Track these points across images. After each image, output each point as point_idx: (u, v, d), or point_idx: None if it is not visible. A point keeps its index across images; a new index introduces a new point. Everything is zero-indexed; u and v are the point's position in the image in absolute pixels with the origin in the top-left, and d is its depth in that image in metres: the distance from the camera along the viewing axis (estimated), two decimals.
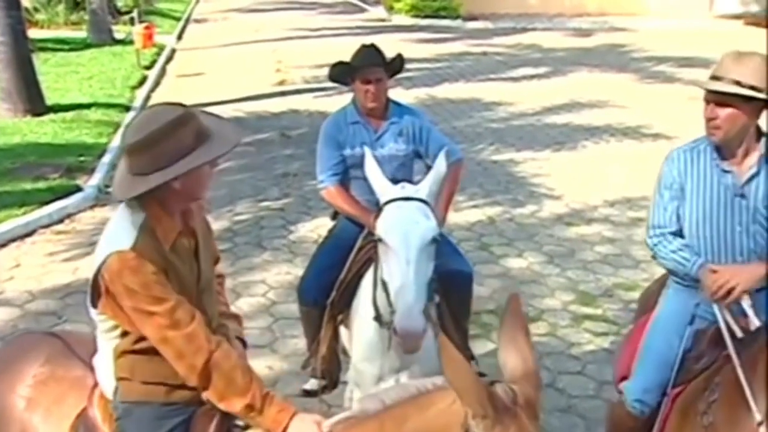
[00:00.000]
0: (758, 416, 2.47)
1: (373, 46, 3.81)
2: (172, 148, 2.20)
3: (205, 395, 2.30)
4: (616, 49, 17.88)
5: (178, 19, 22.61)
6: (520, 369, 1.94)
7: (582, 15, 23.72)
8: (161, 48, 16.35)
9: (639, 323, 3.36)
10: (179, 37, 19.34)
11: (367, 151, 3.46)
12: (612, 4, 24.02)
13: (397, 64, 3.83)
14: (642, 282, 5.66)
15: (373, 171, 3.33)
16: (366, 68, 3.70)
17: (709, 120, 2.86)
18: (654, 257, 3.16)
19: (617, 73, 14.73)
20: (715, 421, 2.65)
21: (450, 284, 3.51)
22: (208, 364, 2.25)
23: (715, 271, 2.86)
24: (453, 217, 6.84)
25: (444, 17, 22.42)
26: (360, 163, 3.52)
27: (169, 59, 16.04)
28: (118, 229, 2.29)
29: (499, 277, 5.94)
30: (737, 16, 23.53)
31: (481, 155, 9.20)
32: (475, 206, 7.44)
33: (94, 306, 2.33)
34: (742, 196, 2.90)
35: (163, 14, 23.29)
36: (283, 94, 12.64)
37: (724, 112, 2.82)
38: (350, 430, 2.14)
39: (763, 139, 2.92)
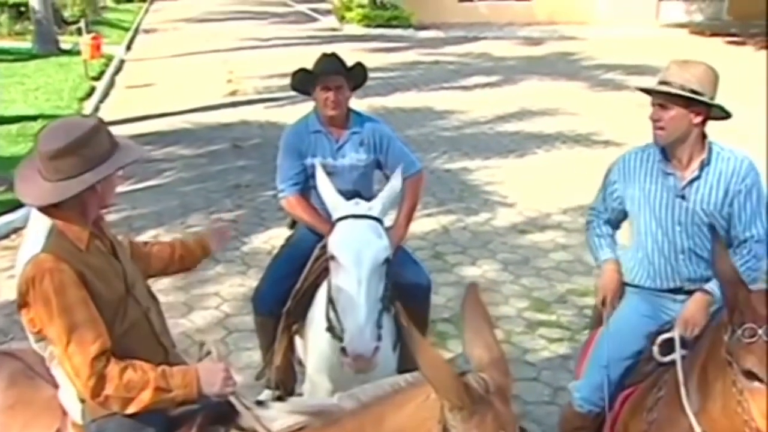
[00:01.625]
0: (697, 428, 2.53)
1: (333, 54, 3.82)
2: (98, 151, 2.32)
3: (114, 410, 2.31)
4: (566, 58, 18.16)
5: (126, 30, 22.35)
6: (486, 357, 1.95)
7: (532, 24, 24.05)
8: (110, 59, 16.14)
9: (594, 333, 3.42)
10: (128, 48, 19.12)
11: (317, 164, 3.46)
12: (561, 12, 24.42)
13: (360, 74, 3.84)
14: (594, 288, 5.74)
15: (324, 185, 3.32)
16: (325, 75, 3.70)
17: (654, 121, 3.02)
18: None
19: (567, 81, 14.96)
20: (659, 417, 2.73)
21: (408, 296, 3.52)
22: (100, 384, 2.26)
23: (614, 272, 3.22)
24: None
25: (395, 26, 22.54)
26: None
27: (118, 70, 15.84)
28: (30, 239, 2.35)
29: (454, 286, 5.97)
30: (682, 25, 24.13)
31: (434, 164, 9.25)
32: (428, 215, 7.47)
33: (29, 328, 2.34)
34: (683, 197, 3.05)
35: (111, 24, 23.01)
36: (234, 104, 12.56)
37: (668, 114, 2.97)
38: (328, 429, 2.12)
39: (707, 145, 3.04)
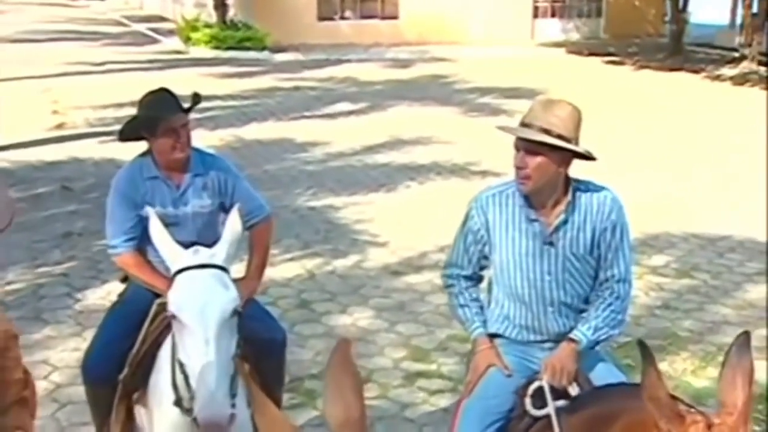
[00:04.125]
0: None
1: (164, 90, 3.76)
2: None
3: None
4: (437, 81, 18.75)
5: None
6: (343, 417, 1.99)
7: (399, 44, 24.69)
8: None
9: (462, 396, 3.44)
10: None
11: (151, 212, 3.42)
12: (431, 32, 25.19)
13: (196, 103, 3.82)
14: None
15: (158, 236, 3.26)
16: (170, 118, 3.62)
17: (519, 168, 3.09)
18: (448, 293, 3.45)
19: (440, 106, 15.44)
20: None
21: (261, 352, 3.54)
22: None
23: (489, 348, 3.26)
24: (268, 272, 6.83)
25: (249, 49, 22.61)
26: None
27: None
28: None
29: (323, 337, 6.00)
30: (559, 44, 25.43)
31: (296, 202, 9.30)
32: (291, 259, 7.49)
33: None
34: (551, 243, 3.17)
35: None
36: (61, 139, 12.19)
37: (533, 161, 3.05)
38: None
39: (571, 188, 3.18)
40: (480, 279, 3.41)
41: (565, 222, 3.15)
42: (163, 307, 3.42)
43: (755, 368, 2.33)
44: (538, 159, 3.04)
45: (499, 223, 3.21)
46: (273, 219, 4.08)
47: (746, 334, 2.32)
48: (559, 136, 3.02)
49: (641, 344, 2.32)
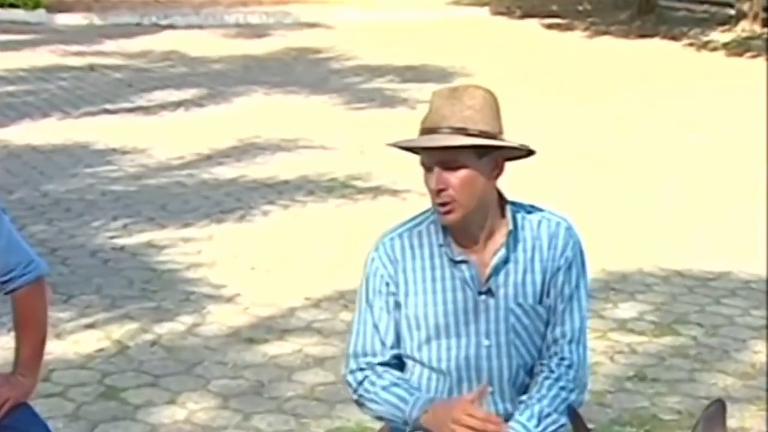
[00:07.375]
0: None
1: None
2: None
3: None
4: (306, 56, 18.84)
5: None
6: None
7: (249, 4, 24.61)
8: None
9: None
10: None
11: None
12: None
13: None
14: (371, 423, 5.93)
15: None
16: None
17: (438, 192, 3.13)
18: (358, 403, 3.42)
19: (311, 94, 15.55)
20: None
21: None
22: None
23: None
24: (54, 347, 6.73)
25: (14, 6, 22.14)
26: None
27: None
28: None
29: None
30: (480, 2, 25.79)
31: (95, 239, 9.19)
32: (90, 326, 7.36)
33: None
34: (489, 292, 3.23)
35: None
36: None
37: (456, 177, 3.11)
38: None
39: (509, 212, 3.26)
40: (402, 366, 3.41)
41: (506, 260, 3.22)
42: None
43: None
44: (462, 173, 3.10)
45: (412, 273, 3.26)
46: (46, 284, 4.02)
47: (720, 403, 2.41)
48: (482, 133, 3.08)
49: (570, 414, 2.38)
